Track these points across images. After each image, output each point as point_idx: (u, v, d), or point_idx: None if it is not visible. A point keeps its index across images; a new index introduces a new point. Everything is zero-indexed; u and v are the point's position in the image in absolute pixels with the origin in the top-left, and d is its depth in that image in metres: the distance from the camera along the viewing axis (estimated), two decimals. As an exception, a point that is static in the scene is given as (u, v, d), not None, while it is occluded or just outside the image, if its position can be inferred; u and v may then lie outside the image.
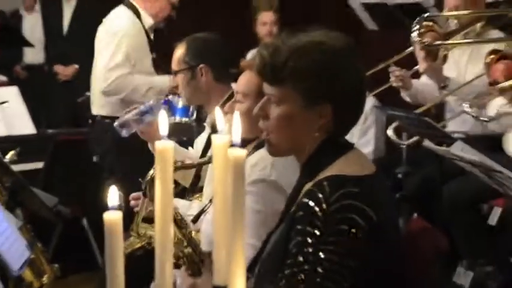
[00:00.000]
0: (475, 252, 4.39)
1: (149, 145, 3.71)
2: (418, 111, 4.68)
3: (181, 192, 3.55)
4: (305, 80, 2.14)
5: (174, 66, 3.95)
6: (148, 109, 3.81)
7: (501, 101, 4.38)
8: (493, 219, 4.32)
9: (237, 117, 1.46)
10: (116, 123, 4.03)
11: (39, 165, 5.25)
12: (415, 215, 4.51)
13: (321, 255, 2.00)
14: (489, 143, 4.54)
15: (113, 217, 1.29)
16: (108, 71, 5.32)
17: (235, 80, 3.09)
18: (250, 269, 2.27)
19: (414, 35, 4.42)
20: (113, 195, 1.33)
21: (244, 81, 2.97)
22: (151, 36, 5.38)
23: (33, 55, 8.21)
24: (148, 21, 5.28)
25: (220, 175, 1.41)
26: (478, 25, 4.48)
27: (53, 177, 5.21)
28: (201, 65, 3.81)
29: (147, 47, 5.33)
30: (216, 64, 3.81)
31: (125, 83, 5.26)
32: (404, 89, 5.04)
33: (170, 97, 4.17)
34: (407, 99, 5.06)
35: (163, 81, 5.18)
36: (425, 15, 4.72)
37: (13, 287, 3.28)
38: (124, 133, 3.89)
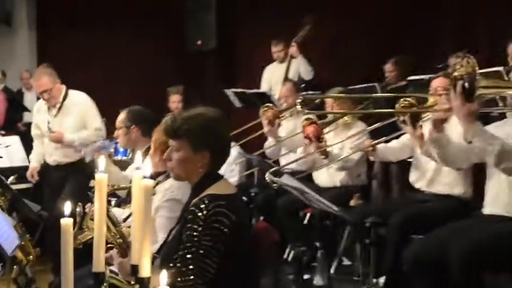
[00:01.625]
0: (295, 240, 4.41)
1: None
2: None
3: (119, 203, 3.49)
4: (193, 137, 2.14)
5: (117, 123, 3.89)
6: (105, 145, 4.08)
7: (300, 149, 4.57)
8: (305, 220, 4.36)
9: (147, 161, 1.49)
10: (84, 150, 4.20)
11: (30, 185, 4.99)
12: (261, 218, 4.50)
13: (202, 242, 2.00)
14: (305, 176, 4.60)
15: (66, 222, 1.29)
16: None
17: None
18: (159, 252, 2.28)
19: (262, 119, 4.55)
20: (67, 207, 1.32)
21: (155, 138, 2.98)
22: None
23: (30, 116, 7.93)
24: None
25: (137, 195, 1.43)
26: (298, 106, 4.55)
27: (38, 192, 4.92)
28: (133, 126, 3.77)
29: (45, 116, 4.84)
30: (143, 126, 3.75)
31: None
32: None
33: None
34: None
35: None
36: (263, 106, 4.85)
37: (9, 263, 3.28)
38: (88, 157, 4.13)
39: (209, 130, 2.17)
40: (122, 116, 3.89)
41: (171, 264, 2.03)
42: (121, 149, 5.15)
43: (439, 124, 3.01)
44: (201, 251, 1.99)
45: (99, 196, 1.35)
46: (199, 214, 2.02)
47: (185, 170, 2.19)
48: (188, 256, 2.00)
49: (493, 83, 2.74)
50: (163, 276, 1.25)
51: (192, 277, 1.98)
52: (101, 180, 1.34)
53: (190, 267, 1.98)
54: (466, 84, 2.49)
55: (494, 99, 3.06)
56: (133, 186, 1.43)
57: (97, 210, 1.38)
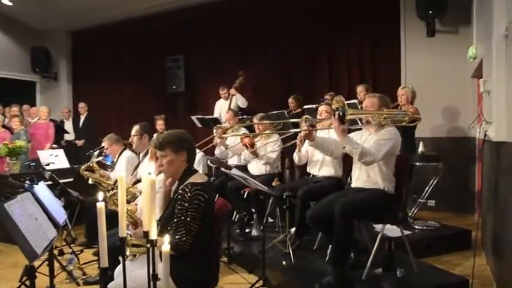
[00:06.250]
0: (239, 208, 4.32)
1: None
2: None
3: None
4: (172, 144, 2.09)
5: (133, 132, 3.72)
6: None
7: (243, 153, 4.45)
8: (245, 195, 4.24)
9: (152, 164, 1.40)
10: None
11: (71, 179, 4.73)
12: (218, 195, 4.38)
13: (188, 212, 1.94)
14: (243, 167, 4.54)
15: (100, 205, 1.19)
16: None
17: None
18: (159, 221, 2.15)
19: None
20: (100, 196, 1.22)
21: (150, 150, 2.86)
22: None
23: (69, 136, 7.47)
24: None
25: (145, 185, 1.34)
26: (236, 126, 4.48)
27: (76, 183, 4.58)
28: (145, 134, 3.68)
29: None
30: (149, 135, 3.71)
31: None
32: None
33: None
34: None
35: None
36: (215, 126, 4.70)
37: (61, 229, 3.17)
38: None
39: (183, 138, 2.13)
40: (136, 126, 3.74)
41: (169, 228, 1.98)
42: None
43: (309, 137, 3.04)
44: (188, 218, 1.95)
45: (121, 188, 1.28)
46: (185, 195, 1.98)
47: (174, 168, 2.10)
48: (180, 222, 1.95)
49: (354, 111, 2.82)
50: (167, 238, 1.20)
51: (184, 234, 1.94)
52: (121, 178, 1.27)
53: (182, 228, 1.94)
54: (340, 113, 2.56)
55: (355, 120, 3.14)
56: (143, 181, 1.36)
57: (120, 198, 1.30)
